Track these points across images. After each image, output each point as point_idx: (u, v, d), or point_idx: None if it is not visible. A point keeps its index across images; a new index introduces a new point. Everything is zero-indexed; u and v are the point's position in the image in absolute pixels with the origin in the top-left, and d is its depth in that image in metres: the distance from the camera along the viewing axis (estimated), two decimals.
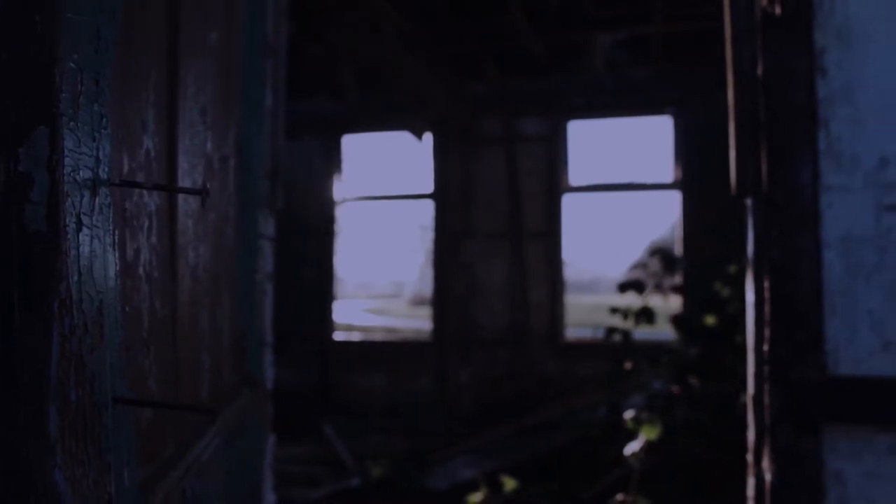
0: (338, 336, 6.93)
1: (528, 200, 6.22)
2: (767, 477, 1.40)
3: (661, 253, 3.42)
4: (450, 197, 6.30)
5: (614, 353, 3.69)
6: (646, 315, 3.33)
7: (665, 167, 7.39)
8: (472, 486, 3.89)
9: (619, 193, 6.55)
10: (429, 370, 6.19)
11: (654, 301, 3.78)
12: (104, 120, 0.69)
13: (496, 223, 6.23)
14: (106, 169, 0.70)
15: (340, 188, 6.94)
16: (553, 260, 6.24)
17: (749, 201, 1.48)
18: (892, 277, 1.35)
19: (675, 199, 5.97)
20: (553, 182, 6.24)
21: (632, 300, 3.54)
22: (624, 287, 3.32)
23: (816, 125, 1.40)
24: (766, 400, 1.40)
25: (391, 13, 5.45)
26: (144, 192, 0.91)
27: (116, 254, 0.72)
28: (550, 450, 4.64)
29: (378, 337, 8.40)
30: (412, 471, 4.36)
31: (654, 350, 3.63)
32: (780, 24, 1.40)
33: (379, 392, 6.18)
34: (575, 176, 6.41)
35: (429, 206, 6.46)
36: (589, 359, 5.77)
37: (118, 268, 0.73)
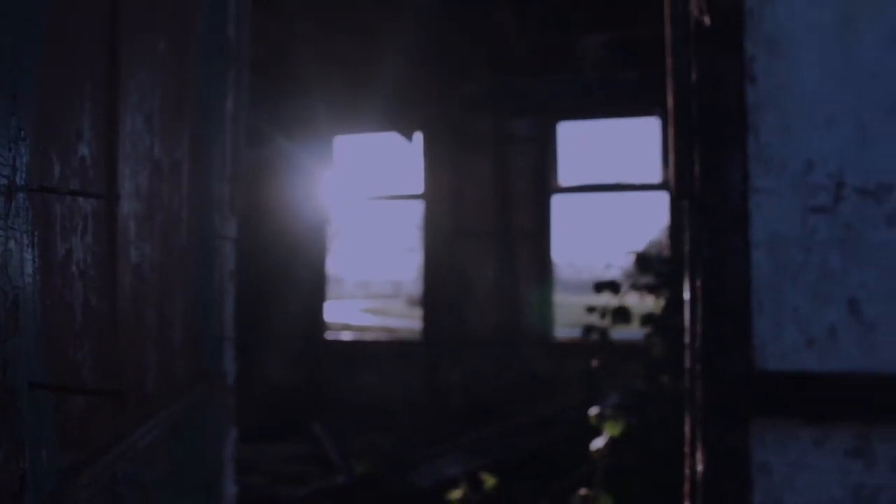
0: (330, 336, 7.00)
1: (518, 201, 6.28)
2: (699, 468, 1.46)
3: (635, 253, 3.48)
4: (440, 197, 6.36)
5: (601, 352, 3.74)
6: (622, 314, 3.39)
7: (654, 168, 7.44)
8: (457, 484, 3.94)
9: (618, 194, 6.60)
10: (419, 369, 6.25)
11: (647, 302, 3.83)
12: (22, 132, 0.76)
13: (486, 223, 6.29)
14: (23, 176, 0.76)
15: (333, 189, 7.01)
16: (543, 260, 6.29)
17: (685, 203, 1.54)
18: (816, 276, 1.40)
19: (665, 199, 6.02)
20: (543, 183, 6.29)
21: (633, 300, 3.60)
22: (599, 287, 3.38)
23: (746, 130, 1.45)
24: (698, 394, 1.46)
25: (381, 14, 5.53)
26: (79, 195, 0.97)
27: (35, 252, 0.79)
28: (537, 448, 4.69)
29: (370, 336, 8.47)
30: (398, 468, 4.43)
31: (633, 349, 3.68)
32: (710, 34, 1.46)
33: (370, 391, 6.24)
34: (565, 176, 6.47)
35: (419, 207, 6.52)
36: (578, 358, 5.82)
37: (37, 265, 0.79)
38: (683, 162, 1.52)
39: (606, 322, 3.54)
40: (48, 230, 0.88)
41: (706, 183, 1.47)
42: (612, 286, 3.40)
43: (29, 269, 0.76)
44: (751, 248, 1.43)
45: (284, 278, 6.66)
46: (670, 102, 1.57)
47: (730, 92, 1.45)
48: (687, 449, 1.53)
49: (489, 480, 3.71)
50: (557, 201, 6.40)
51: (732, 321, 1.43)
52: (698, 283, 1.47)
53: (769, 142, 1.44)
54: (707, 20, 1.44)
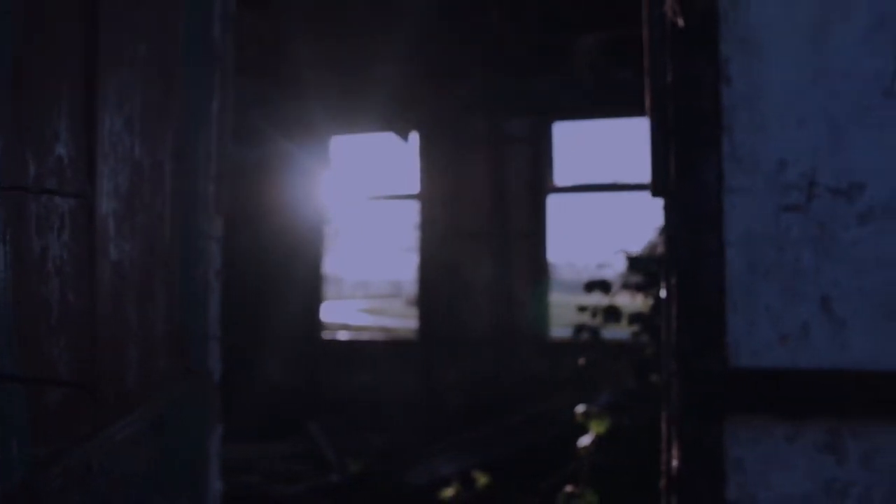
0: (327, 335, 7.02)
1: (514, 201, 6.30)
2: (674, 464, 1.48)
3: (625, 253, 3.50)
4: (436, 197, 6.39)
5: (590, 351, 3.76)
6: (612, 313, 3.41)
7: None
8: (451, 483, 3.97)
9: (615, 194, 6.61)
10: (416, 369, 6.27)
11: (638, 301, 3.85)
12: None
13: (482, 223, 6.31)
14: None
15: (331, 189, 7.04)
16: (539, 260, 6.32)
17: (662, 202, 1.56)
18: (789, 274, 1.42)
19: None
20: (539, 182, 6.31)
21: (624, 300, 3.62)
22: (590, 286, 3.40)
23: (721, 130, 1.47)
24: (673, 391, 1.48)
25: (377, 14, 5.55)
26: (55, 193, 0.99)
27: (7, 249, 0.81)
28: (531, 446, 4.71)
29: (367, 336, 8.50)
30: (392, 467, 4.45)
31: (625, 349, 3.70)
32: (685, 36, 1.48)
33: (366, 390, 6.27)
34: (561, 176, 6.49)
35: (415, 207, 6.55)
36: (575, 358, 5.84)
37: (10, 261, 0.82)
38: (660, 161, 1.54)
39: (598, 321, 3.56)
40: (23, 228, 0.90)
41: (681, 182, 1.49)
42: (602, 286, 3.42)
43: (0, 264, 0.79)
44: (725, 247, 1.45)
45: (282, 278, 6.69)
46: (647, 103, 1.59)
47: (705, 93, 1.48)
48: (664, 446, 1.55)
49: (481, 479, 3.74)
50: (553, 201, 6.43)
51: (707, 319, 1.45)
52: (673, 281, 1.49)
53: (743, 142, 1.46)
54: (681, 22, 1.46)
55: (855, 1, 1.42)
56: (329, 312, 9.41)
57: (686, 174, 1.48)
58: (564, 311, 7.64)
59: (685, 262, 1.47)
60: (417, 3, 5.47)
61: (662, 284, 1.58)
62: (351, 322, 12.90)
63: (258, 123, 6.48)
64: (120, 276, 1.22)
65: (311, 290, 6.79)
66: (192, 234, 1.62)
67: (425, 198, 6.46)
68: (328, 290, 7.65)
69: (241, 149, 6.39)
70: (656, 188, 1.55)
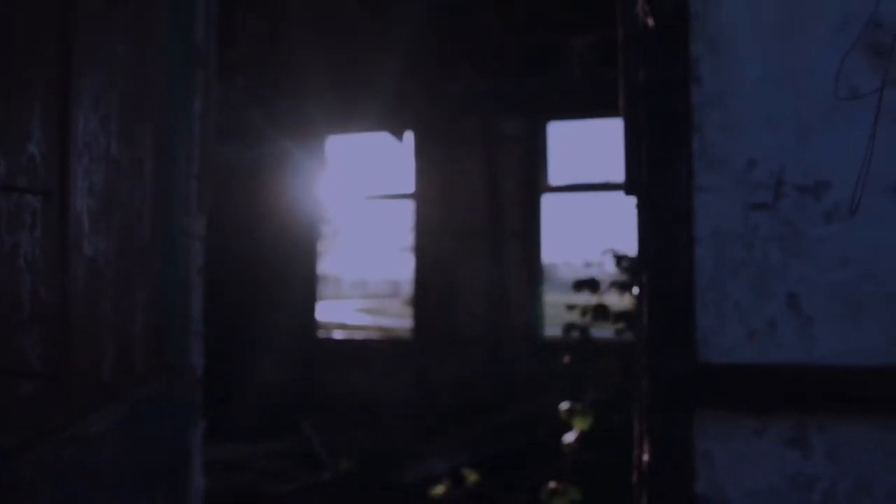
0: (322, 334, 7.05)
1: (508, 200, 6.32)
2: (645, 458, 1.50)
3: (612, 252, 3.53)
4: (430, 197, 6.41)
5: (577, 350, 3.78)
6: (601, 312, 3.43)
7: None
8: (442, 480, 3.99)
9: (610, 193, 6.63)
10: (409, 368, 6.29)
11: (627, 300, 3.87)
12: None
13: (476, 223, 6.33)
14: None
15: (328, 188, 7.06)
16: (532, 259, 6.33)
17: (635, 200, 1.58)
18: (757, 271, 1.44)
19: None
20: (532, 182, 6.33)
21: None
22: (579, 285, 3.42)
23: (691, 129, 1.49)
24: (644, 386, 1.50)
25: (370, 15, 5.58)
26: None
27: None
28: (521, 444, 4.74)
29: (361, 335, 8.52)
30: (384, 465, 4.47)
31: (613, 347, 3.72)
32: (656, 35, 1.50)
33: (361, 389, 6.29)
34: (555, 176, 6.51)
35: (410, 206, 6.57)
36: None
37: None
38: (632, 160, 1.56)
39: (587, 320, 3.58)
40: None
41: (653, 181, 1.51)
42: (590, 284, 3.44)
43: None
44: (695, 245, 1.48)
45: (279, 277, 6.71)
46: (621, 102, 1.61)
47: (675, 92, 1.50)
48: (636, 440, 1.57)
49: (471, 476, 3.76)
50: (548, 200, 6.45)
51: (676, 315, 1.47)
52: (645, 278, 1.51)
53: (713, 141, 1.48)
54: (650, 22, 1.48)
55: (822, 2, 1.44)
56: (327, 312, 9.41)
57: (657, 173, 1.50)
58: (559, 311, 7.66)
59: (656, 259, 1.49)
60: (411, 3, 5.49)
61: (637, 282, 1.60)
62: (349, 322, 12.92)
63: (256, 123, 6.50)
64: (94, 273, 1.24)
65: (308, 289, 6.81)
66: (174, 231, 1.65)
67: (420, 197, 6.49)
68: (327, 289, 7.68)
69: (238, 148, 6.42)
70: (629, 186, 1.57)
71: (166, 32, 1.62)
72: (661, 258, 1.49)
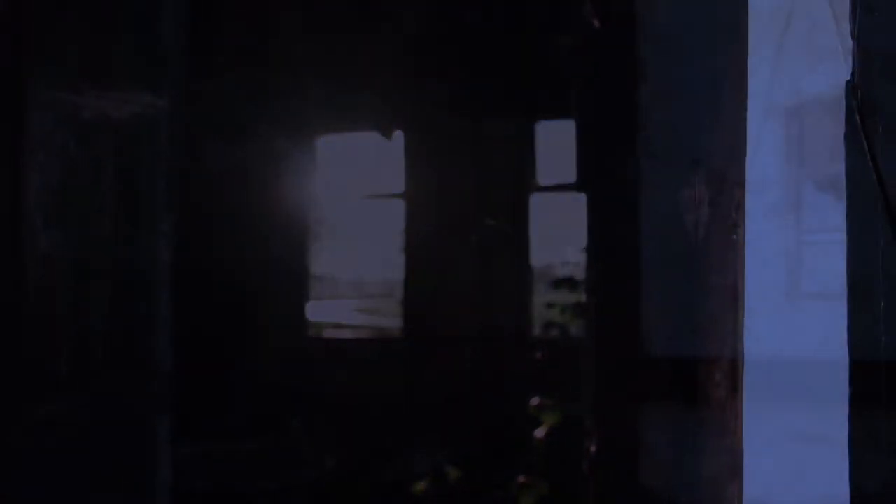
0: (312, 333, 7.08)
1: (498, 200, 6.36)
2: (592, 448, 1.54)
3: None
4: (419, 196, 6.44)
5: (548, 347, 3.83)
6: (580, 310, 3.47)
7: None
8: (424, 478, 4.03)
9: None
10: (398, 366, 6.33)
11: None
12: None
13: (466, 222, 6.37)
14: None
15: (320, 187, 7.10)
16: (522, 259, 6.37)
17: (585, 195, 1.62)
18: (699, 266, 1.48)
19: None
20: (522, 182, 6.37)
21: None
22: (558, 284, 3.47)
23: (637, 128, 1.53)
24: (591, 378, 1.54)
25: (360, 14, 5.62)
26: None
27: None
28: (507, 441, 4.77)
29: (349, 334, 8.58)
30: (368, 462, 4.51)
31: None
32: (603, 36, 1.54)
33: (350, 387, 6.33)
34: (545, 175, 6.55)
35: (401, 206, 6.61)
36: (553, 354, 5.89)
37: None
38: (583, 157, 1.60)
39: (567, 317, 3.62)
40: None
41: (600, 177, 1.55)
42: (569, 282, 3.48)
43: None
44: (640, 240, 1.51)
45: (269, 277, 6.74)
46: (574, 99, 1.65)
47: (623, 92, 1.54)
48: (585, 431, 1.61)
49: (453, 473, 3.80)
50: (538, 200, 6.48)
51: (622, 308, 1.51)
52: (593, 272, 1.55)
53: (658, 139, 1.52)
54: (597, 23, 1.52)
55: (762, 3, 1.48)
56: (322, 312, 9.43)
57: (604, 170, 1.54)
58: (551, 311, 7.70)
59: (603, 254, 1.53)
60: (402, 3, 5.54)
61: (587, 276, 1.64)
62: (345, 321, 12.97)
63: (246, 122, 6.54)
64: (49, 268, 1.28)
65: (299, 288, 6.85)
66: (139, 229, 1.68)
67: (410, 197, 6.53)
68: (322, 289, 7.72)
69: (229, 147, 6.46)
70: (579, 183, 1.61)
71: (127, 31, 1.66)
72: (608, 253, 1.53)
